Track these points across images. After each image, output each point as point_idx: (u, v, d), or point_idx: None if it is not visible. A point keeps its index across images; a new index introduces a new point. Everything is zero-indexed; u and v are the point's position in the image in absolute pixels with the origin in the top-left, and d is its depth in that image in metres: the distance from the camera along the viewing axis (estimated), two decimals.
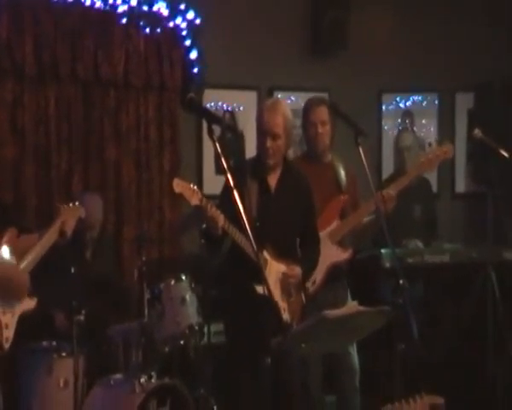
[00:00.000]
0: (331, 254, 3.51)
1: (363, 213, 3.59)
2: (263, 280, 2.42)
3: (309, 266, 3.29)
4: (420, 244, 4.47)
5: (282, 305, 3.13)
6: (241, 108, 5.05)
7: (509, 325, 4.02)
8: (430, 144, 4.98)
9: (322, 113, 3.57)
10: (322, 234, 3.45)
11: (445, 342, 4.32)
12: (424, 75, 5.40)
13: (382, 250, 4.13)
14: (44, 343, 3.57)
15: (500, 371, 4.13)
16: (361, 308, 2.40)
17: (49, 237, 2.90)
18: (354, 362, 3.62)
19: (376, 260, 4.15)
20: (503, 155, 4.01)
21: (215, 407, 3.65)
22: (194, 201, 2.90)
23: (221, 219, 2.93)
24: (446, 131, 5.51)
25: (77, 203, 3.16)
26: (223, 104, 4.98)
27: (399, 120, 5.49)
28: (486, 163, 4.35)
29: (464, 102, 5.45)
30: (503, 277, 4.19)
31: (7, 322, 2.65)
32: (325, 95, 4.81)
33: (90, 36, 4.46)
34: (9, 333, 2.67)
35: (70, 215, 3.04)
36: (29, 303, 2.79)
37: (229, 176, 2.33)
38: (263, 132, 3.16)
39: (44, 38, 4.32)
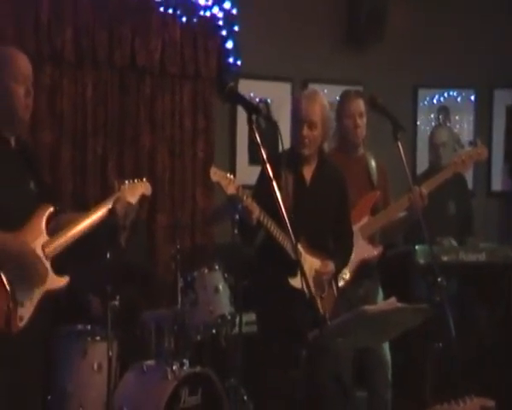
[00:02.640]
0: (361, 250, 3.47)
1: (397, 209, 3.55)
2: (301, 273, 2.41)
3: (342, 260, 3.27)
4: (454, 242, 4.40)
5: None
6: (275, 100, 5.02)
7: None
8: (471, 143, 4.88)
9: (360, 105, 3.55)
10: (354, 229, 3.42)
11: (479, 341, 4.27)
12: (461, 71, 5.32)
13: (416, 247, 4.08)
14: (79, 327, 3.59)
15: None
16: (400, 305, 2.38)
17: (94, 215, 2.66)
18: (386, 357, 3.59)
19: (410, 256, 4.10)
20: None
21: (245, 397, 3.66)
22: (231, 190, 2.88)
23: (256, 210, 2.92)
24: (483, 127, 5.43)
25: (144, 179, 2.88)
26: (256, 95, 4.96)
27: (434, 116, 5.43)
28: None
29: (503, 99, 5.37)
30: None
31: (23, 300, 2.44)
32: (360, 88, 4.75)
33: (128, 24, 4.48)
34: (25, 312, 2.43)
35: (129, 193, 2.78)
36: (57, 281, 2.54)
37: (267, 166, 2.30)
38: (299, 120, 3.12)
39: (83, 25, 4.35)
